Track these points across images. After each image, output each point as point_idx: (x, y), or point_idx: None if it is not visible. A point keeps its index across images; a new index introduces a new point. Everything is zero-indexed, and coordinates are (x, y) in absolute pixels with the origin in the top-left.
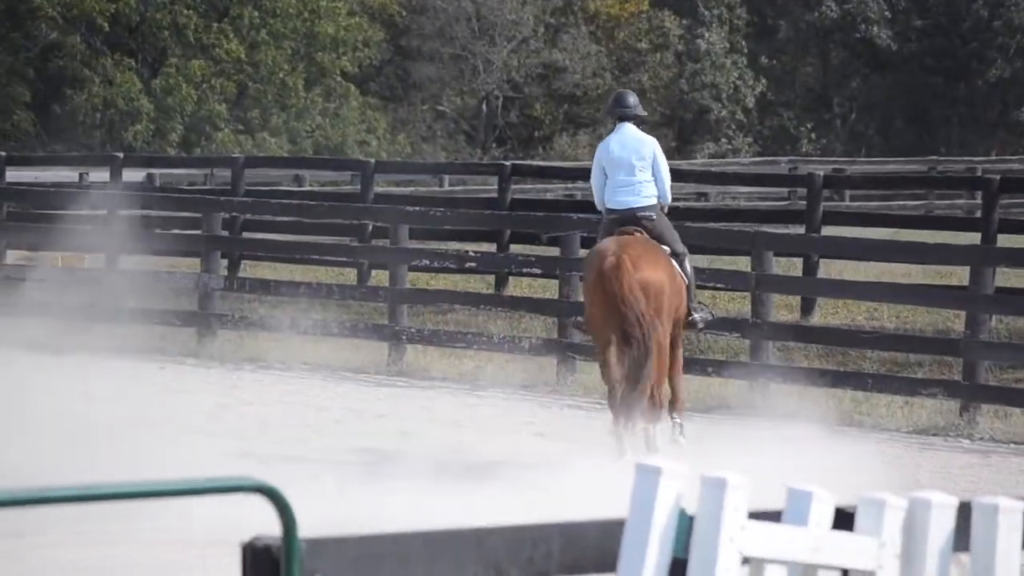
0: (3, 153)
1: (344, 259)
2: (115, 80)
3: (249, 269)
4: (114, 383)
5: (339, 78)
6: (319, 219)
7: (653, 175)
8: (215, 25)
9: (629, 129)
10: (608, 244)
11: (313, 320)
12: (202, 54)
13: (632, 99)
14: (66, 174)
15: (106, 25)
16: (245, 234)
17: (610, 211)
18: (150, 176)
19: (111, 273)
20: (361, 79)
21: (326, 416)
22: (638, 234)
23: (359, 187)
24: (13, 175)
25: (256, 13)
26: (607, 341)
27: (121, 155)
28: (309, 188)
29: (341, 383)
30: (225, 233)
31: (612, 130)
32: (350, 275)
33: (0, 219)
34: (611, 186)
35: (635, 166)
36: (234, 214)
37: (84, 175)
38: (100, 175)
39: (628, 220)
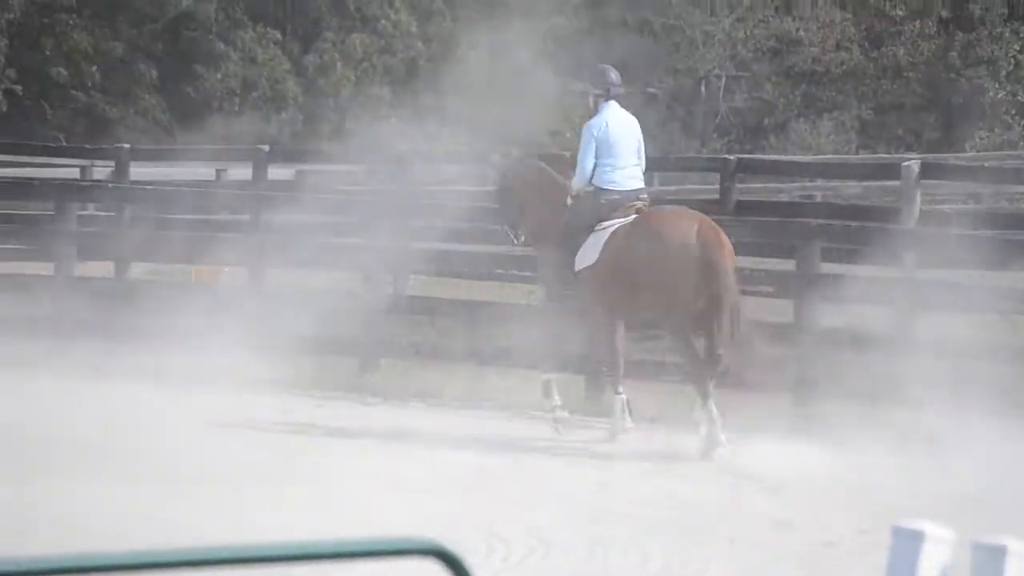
0: (127, 145)
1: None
2: (257, 58)
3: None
4: (264, 420)
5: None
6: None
7: (638, 158)
8: None
9: (618, 108)
10: (679, 212)
11: (496, 348)
12: (363, 26)
13: (617, 76)
14: (201, 171)
15: None
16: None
17: (606, 191)
18: (300, 173)
19: (254, 290)
20: (553, 55)
21: (515, 464)
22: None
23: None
24: (139, 171)
25: None
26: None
27: (266, 148)
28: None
29: (533, 423)
30: (391, 242)
31: (596, 106)
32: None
33: (123, 224)
34: (610, 167)
35: (635, 148)
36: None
37: (222, 172)
38: (241, 172)
39: (628, 200)
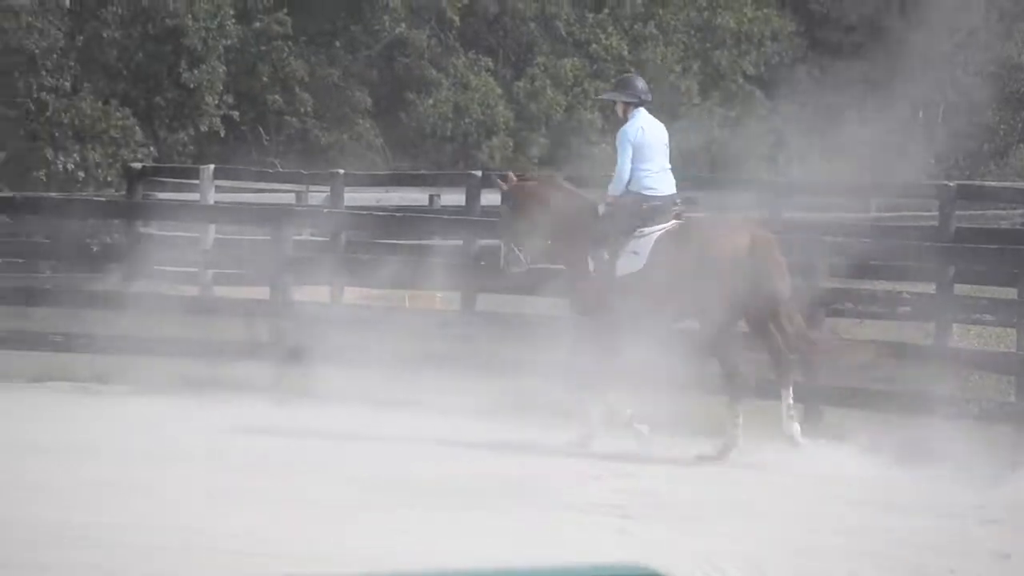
0: (341, 171)
1: None
2: (470, 83)
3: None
4: (474, 443)
5: (740, 80)
6: None
7: (669, 162)
8: (591, 16)
9: (648, 114)
10: (733, 222)
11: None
12: (575, 51)
13: (645, 84)
14: (414, 196)
15: (457, 18)
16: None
17: (648, 196)
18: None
19: (467, 315)
20: (767, 81)
21: (723, 493)
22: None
23: (767, 210)
24: (353, 196)
25: (640, 1)
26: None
27: (478, 173)
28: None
29: (751, 451)
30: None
31: (626, 113)
32: None
33: (338, 250)
34: (647, 171)
35: (666, 153)
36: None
37: (435, 197)
38: (454, 197)
39: (668, 205)
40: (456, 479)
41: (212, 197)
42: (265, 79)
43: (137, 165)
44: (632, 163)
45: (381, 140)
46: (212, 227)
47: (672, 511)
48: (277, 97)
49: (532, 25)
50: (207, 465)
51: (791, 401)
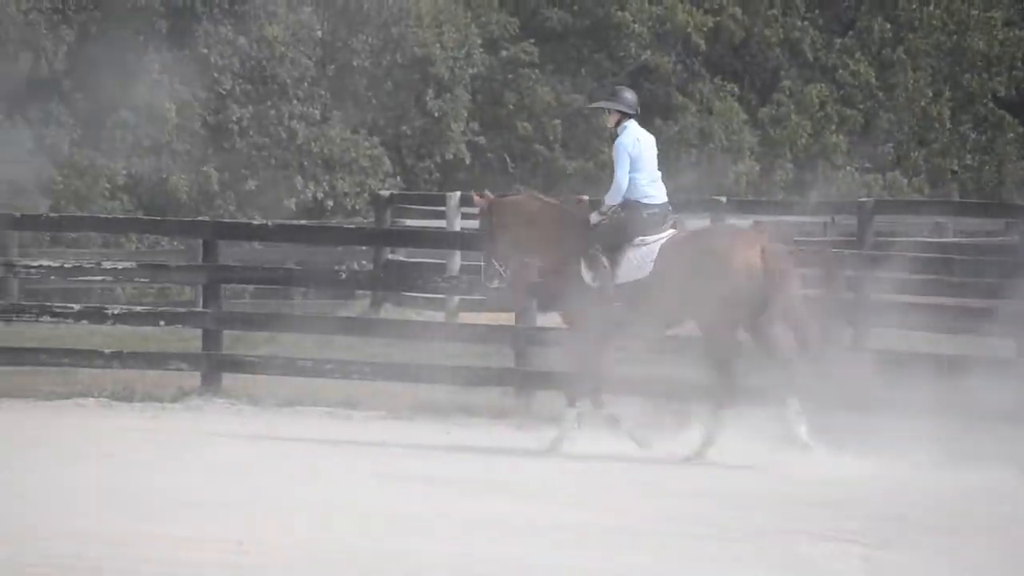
0: (586, 197)
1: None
2: (714, 108)
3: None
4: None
5: (991, 104)
6: (967, 277)
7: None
8: (838, 41)
9: (638, 126)
10: (741, 231)
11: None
12: (822, 76)
13: (634, 95)
14: None
15: (703, 43)
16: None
17: (647, 205)
18: (758, 224)
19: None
20: (1019, 104)
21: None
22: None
23: (1017, 237)
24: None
25: (888, 26)
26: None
27: (723, 199)
28: (952, 239)
29: None
30: (848, 294)
31: (620, 125)
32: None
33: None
34: (645, 180)
35: (656, 162)
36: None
37: (679, 222)
38: (698, 223)
39: (664, 213)
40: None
41: (458, 224)
42: (511, 107)
43: (385, 192)
44: (631, 173)
45: None
46: (458, 253)
47: (918, 535)
48: (525, 124)
49: (778, 50)
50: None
51: (798, 407)
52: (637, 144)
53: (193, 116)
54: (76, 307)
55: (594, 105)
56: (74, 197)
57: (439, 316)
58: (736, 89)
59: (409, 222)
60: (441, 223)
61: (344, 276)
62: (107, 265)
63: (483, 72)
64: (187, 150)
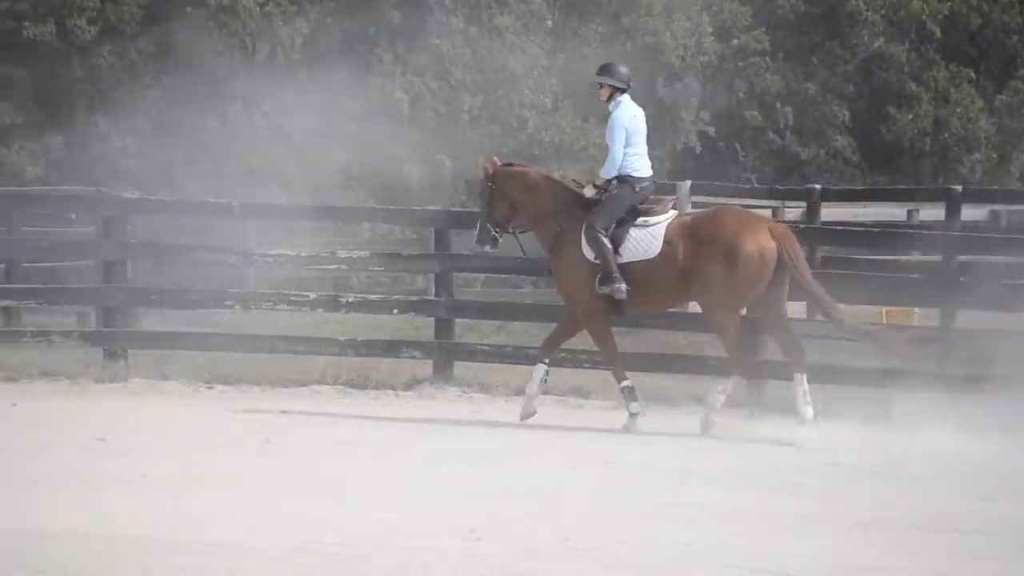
0: (818, 186)
1: None
2: (950, 97)
3: None
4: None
5: None
6: None
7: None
8: None
9: (631, 101)
10: (751, 217)
11: None
12: None
13: (628, 71)
14: (892, 211)
15: (938, 30)
16: None
17: (639, 179)
18: (994, 214)
19: (948, 332)
20: None
21: None
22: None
23: None
24: (829, 212)
25: None
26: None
27: (958, 188)
28: None
29: None
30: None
31: (613, 100)
32: None
33: (814, 266)
34: (637, 155)
35: (645, 136)
36: None
37: (913, 212)
38: (932, 212)
39: (652, 188)
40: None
41: (689, 212)
42: (741, 95)
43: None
44: (625, 147)
45: (858, 155)
46: None
47: None
48: (754, 113)
49: (1015, 37)
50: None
51: (806, 385)
52: (633, 120)
53: (425, 106)
54: (312, 295)
55: (591, 80)
56: (308, 187)
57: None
58: (972, 75)
59: None
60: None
61: None
62: (342, 254)
63: (714, 61)
64: (419, 140)
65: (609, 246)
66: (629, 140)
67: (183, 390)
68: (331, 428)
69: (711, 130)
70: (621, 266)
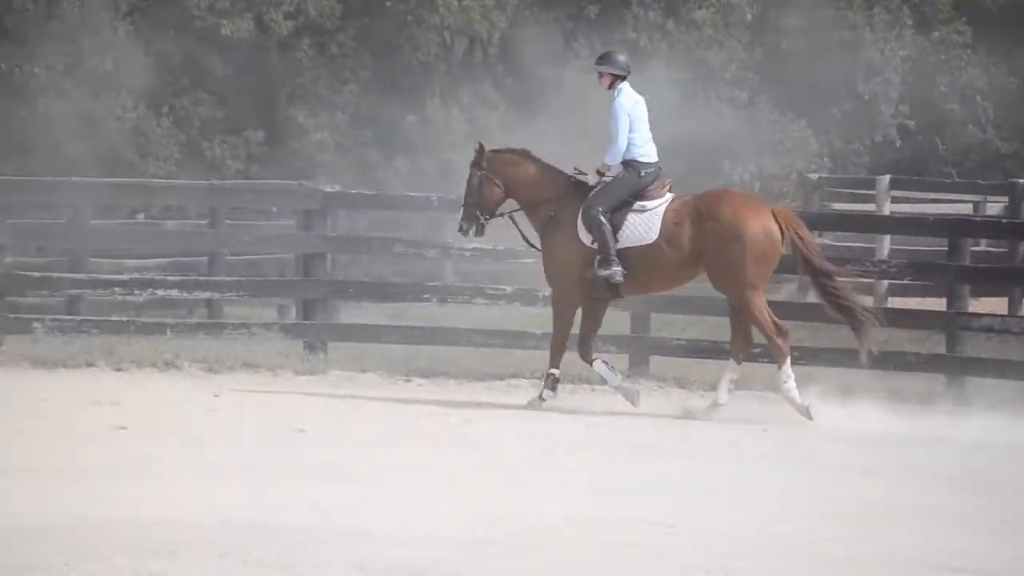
0: (1021, 181)
1: None
2: None
3: None
4: None
5: None
6: None
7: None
8: None
9: (631, 88)
10: (752, 199)
11: None
12: None
13: (627, 59)
14: None
15: None
16: None
17: (645, 164)
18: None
19: None
20: None
21: None
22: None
23: None
24: None
25: None
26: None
27: None
28: None
29: None
30: None
31: (615, 87)
32: None
33: (1018, 260)
34: (640, 141)
35: (648, 122)
36: None
37: None
38: None
39: (658, 173)
40: None
41: (887, 207)
42: (943, 88)
43: (814, 176)
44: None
45: None
46: (887, 238)
47: None
48: (954, 107)
49: None
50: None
51: (735, 375)
52: (636, 106)
53: None
54: (508, 289)
55: (593, 68)
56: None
57: (867, 301)
58: None
59: (837, 206)
60: (870, 207)
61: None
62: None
63: (913, 54)
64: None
65: (608, 228)
66: (633, 126)
67: (381, 383)
68: (526, 421)
69: (911, 123)
70: (619, 251)
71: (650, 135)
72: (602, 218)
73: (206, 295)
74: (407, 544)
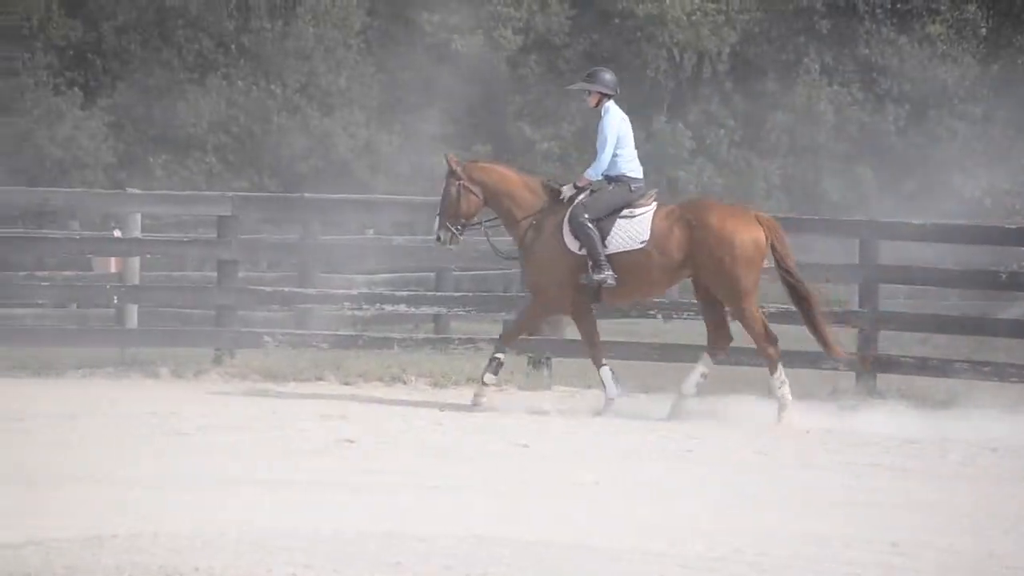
0: None
1: None
2: None
3: None
4: None
5: None
6: None
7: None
8: None
9: (617, 106)
10: (737, 208)
11: None
12: None
13: (614, 77)
14: None
15: None
16: None
17: (635, 179)
18: None
19: None
20: None
21: None
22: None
23: None
24: None
25: None
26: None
27: None
28: None
29: None
30: None
31: (601, 105)
32: None
33: None
34: (628, 157)
35: (632, 139)
36: None
37: None
38: None
39: (644, 188)
40: None
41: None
42: None
43: None
44: (616, 149)
45: None
46: None
47: None
48: None
49: None
50: None
51: (707, 368)
52: (621, 123)
53: (850, 117)
54: None
55: (575, 87)
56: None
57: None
58: None
59: None
60: None
61: (1004, 277)
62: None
63: None
64: (843, 150)
65: (597, 234)
66: (620, 143)
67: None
68: (749, 436)
69: None
70: (608, 256)
71: (635, 153)
72: (590, 225)
73: (433, 310)
74: (633, 561)
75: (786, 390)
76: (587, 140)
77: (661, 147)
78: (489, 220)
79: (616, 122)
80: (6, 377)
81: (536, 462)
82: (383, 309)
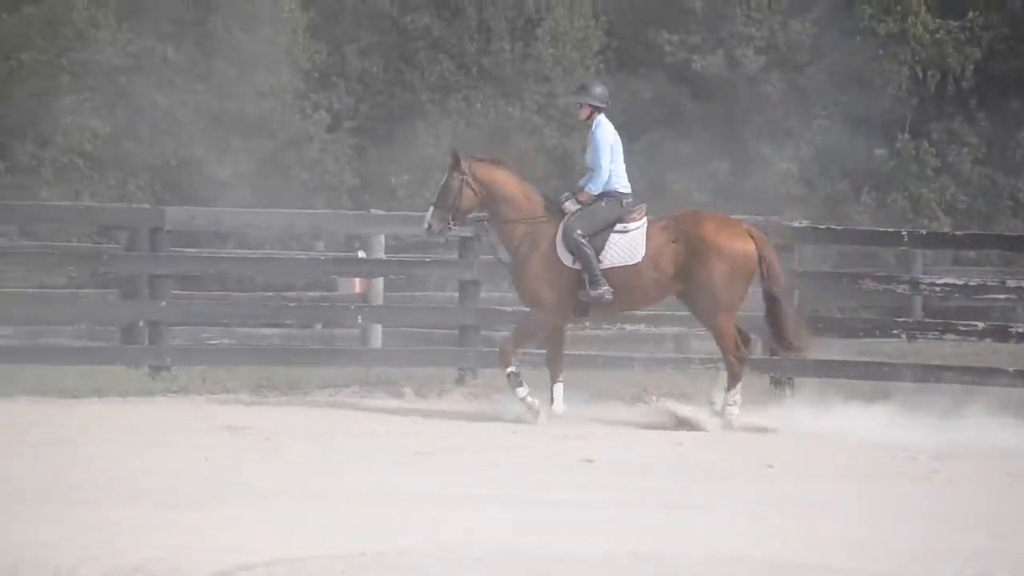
0: None
1: None
2: None
3: None
4: None
5: None
6: None
7: None
8: None
9: (606, 119)
10: (730, 221)
11: None
12: None
13: (605, 90)
14: None
15: None
16: None
17: (626, 195)
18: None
19: None
20: None
21: None
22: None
23: None
24: None
25: None
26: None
27: None
28: None
29: None
30: None
31: (593, 119)
32: None
33: None
34: (620, 171)
35: (623, 153)
36: None
37: None
38: None
39: (634, 203)
40: None
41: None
42: None
43: None
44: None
45: None
46: None
47: None
48: None
49: None
50: None
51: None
52: (614, 137)
53: None
54: (980, 325)
55: (570, 99)
56: (976, 216)
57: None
58: None
59: None
60: None
61: None
62: (1011, 283)
63: None
64: None
65: (591, 249)
66: (613, 157)
67: (846, 416)
68: (1004, 459)
69: None
70: (604, 271)
71: (624, 166)
72: (584, 241)
73: (674, 330)
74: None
75: (736, 410)
76: (826, 159)
77: (904, 165)
78: (481, 218)
79: (608, 136)
80: (255, 396)
81: (778, 482)
82: (623, 329)
